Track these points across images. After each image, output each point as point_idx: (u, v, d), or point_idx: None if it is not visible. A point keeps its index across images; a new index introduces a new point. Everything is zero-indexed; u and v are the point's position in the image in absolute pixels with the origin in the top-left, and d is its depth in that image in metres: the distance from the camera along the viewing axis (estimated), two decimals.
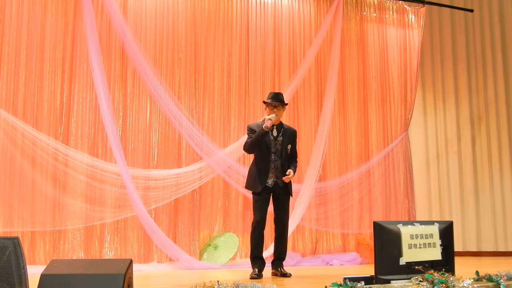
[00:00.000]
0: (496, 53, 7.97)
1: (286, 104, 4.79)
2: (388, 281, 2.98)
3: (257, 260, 4.53)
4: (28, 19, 5.67)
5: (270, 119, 4.53)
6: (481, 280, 3.12)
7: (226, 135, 6.50)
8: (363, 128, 7.35)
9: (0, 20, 5.53)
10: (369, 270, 3.21)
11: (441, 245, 3.28)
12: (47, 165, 5.51)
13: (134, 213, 5.68)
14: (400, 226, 3.16)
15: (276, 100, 4.66)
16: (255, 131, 4.62)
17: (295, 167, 4.72)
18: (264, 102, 4.73)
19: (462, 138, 7.99)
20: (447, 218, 7.63)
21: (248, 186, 4.72)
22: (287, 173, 4.57)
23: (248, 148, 4.66)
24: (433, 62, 8.26)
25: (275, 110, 4.63)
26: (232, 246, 6.05)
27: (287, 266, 4.85)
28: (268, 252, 5.56)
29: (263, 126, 4.52)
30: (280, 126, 4.72)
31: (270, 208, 4.64)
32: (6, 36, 5.54)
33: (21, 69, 5.58)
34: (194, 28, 6.46)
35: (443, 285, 2.82)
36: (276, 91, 6.37)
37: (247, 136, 4.70)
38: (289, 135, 4.74)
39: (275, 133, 4.67)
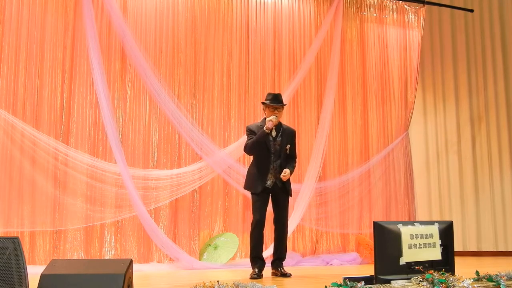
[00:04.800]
0: (496, 53, 7.97)
1: (285, 104, 4.78)
2: (388, 281, 2.98)
3: (257, 260, 4.53)
4: (28, 19, 5.67)
5: (271, 120, 4.52)
6: (481, 280, 3.12)
7: (226, 135, 6.50)
8: (363, 128, 7.35)
9: (0, 20, 5.53)
10: (369, 270, 3.21)
11: (441, 245, 3.28)
12: (47, 165, 5.51)
13: (134, 213, 5.68)
14: (400, 226, 3.16)
15: (276, 102, 4.65)
16: (254, 132, 4.61)
17: (293, 167, 4.71)
18: (263, 103, 4.72)
19: (462, 138, 7.99)
20: (447, 218, 7.63)
21: (247, 187, 4.71)
22: (283, 172, 4.56)
23: (248, 149, 4.66)
24: (433, 62, 8.26)
25: (275, 112, 4.62)
26: (232, 246, 6.05)
27: (287, 266, 4.85)
28: (268, 252, 5.55)
29: (265, 128, 4.51)
30: (279, 126, 4.71)
31: (270, 208, 4.64)
32: (6, 36, 5.54)
33: (21, 69, 5.58)
34: (194, 28, 6.46)
35: (443, 285, 2.82)
36: (276, 91, 6.38)
37: (247, 137, 4.70)
38: (288, 135, 4.73)
39: (274, 133, 4.66)
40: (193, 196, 6.17)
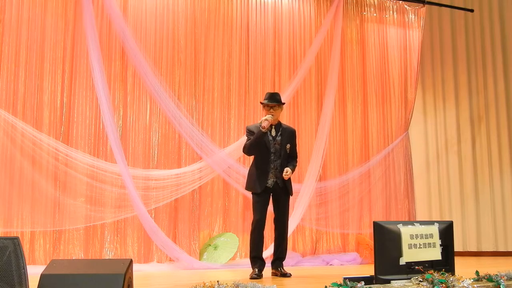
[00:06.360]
0: (496, 53, 7.97)
1: (283, 103, 4.77)
2: (388, 281, 2.99)
3: (257, 260, 4.52)
4: (28, 19, 5.67)
5: (266, 119, 4.51)
6: (481, 280, 3.12)
7: (226, 135, 6.50)
8: (363, 128, 7.35)
9: (0, 20, 5.53)
10: (369, 270, 3.21)
11: (441, 245, 3.28)
12: (47, 165, 5.51)
13: (134, 213, 5.68)
14: (400, 226, 3.16)
15: (272, 101, 4.64)
16: (253, 133, 4.59)
17: (294, 166, 4.70)
18: (261, 103, 4.72)
19: (462, 138, 8.00)
20: (447, 218, 7.64)
21: (248, 187, 4.71)
22: (284, 171, 4.56)
23: (247, 150, 4.66)
24: (433, 62, 8.26)
25: (271, 110, 4.62)
26: (232, 246, 6.05)
27: (287, 266, 4.85)
28: (268, 252, 5.56)
29: (260, 127, 4.52)
30: (278, 126, 4.71)
31: (270, 208, 4.64)
32: (6, 36, 5.54)
33: (21, 69, 5.58)
34: (194, 28, 6.46)
35: (443, 285, 2.82)
36: (276, 91, 6.37)
37: (246, 137, 4.69)
38: (288, 135, 4.73)
39: (273, 133, 4.66)
40: (193, 196, 6.17)
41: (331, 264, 6.18)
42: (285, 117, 6.60)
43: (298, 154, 4.89)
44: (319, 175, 6.65)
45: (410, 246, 3.14)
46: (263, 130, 4.49)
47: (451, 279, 2.87)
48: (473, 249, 7.68)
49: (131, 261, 2.62)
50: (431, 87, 8.24)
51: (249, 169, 4.76)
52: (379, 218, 7.06)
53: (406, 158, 7.53)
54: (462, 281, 2.88)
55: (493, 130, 7.85)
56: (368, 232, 6.90)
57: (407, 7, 7.83)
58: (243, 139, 4.82)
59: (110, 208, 5.68)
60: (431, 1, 7.83)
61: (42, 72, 5.69)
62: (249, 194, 4.84)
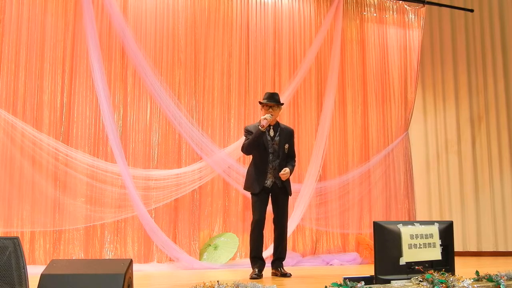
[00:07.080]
0: (496, 53, 7.97)
1: (282, 104, 4.77)
2: (388, 281, 2.99)
3: (257, 260, 4.53)
4: (28, 19, 5.67)
5: (265, 118, 4.51)
6: (481, 280, 3.12)
7: (226, 135, 6.50)
8: (363, 128, 7.35)
9: (0, 20, 5.53)
10: (369, 270, 3.21)
11: (441, 245, 3.28)
12: (47, 165, 5.51)
13: (134, 213, 5.68)
14: (400, 226, 3.16)
15: (272, 100, 4.65)
16: (251, 132, 4.60)
17: (293, 166, 4.71)
18: (260, 103, 4.73)
19: (462, 138, 8.00)
20: (447, 218, 7.64)
21: (246, 187, 4.71)
22: (282, 171, 4.55)
23: (245, 149, 4.66)
24: (433, 62, 8.27)
25: (270, 110, 4.62)
26: (232, 246, 6.05)
27: (287, 266, 4.85)
28: (268, 252, 5.56)
29: (259, 126, 4.52)
30: (276, 126, 4.71)
31: (270, 208, 4.64)
32: (6, 36, 5.54)
33: (21, 69, 5.58)
34: (194, 28, 6.46)
35: (443, 285, 2.82)
36: (276, 91, 6.38)
37: (244, 137, 4.70)
38: (286, 135, 4.73)
39: (272, 133, 4.66)
40: (193, 196, 6.17)
41: (331, 264, 6.19)
42: (285, 117, 6.60)
43: (297, 154, 4.89)
44: (319, 175, 6.65)
45: (410, 246, 3.14)
46: (262, 129, 4.50)
47: (451, 279, 2.87)
48: (473, 249, 7.69)
49: (131, 261, 2.62)
50: (431, 87, 8.24)
51: (248, 169, 4.76)
52: (379, 218, 7.06)
53: (406, 158, 7.52)
54: (462, 281, 2.88)
55: (493, 130, 7.86)
56: (368, 232, 6.90)
57: (407, 7, 7.83)
58: (243, 139, 4.82)
59: (110, 208, 5.69)
60: (431, 1, 7.83)
61: (42, 72, 5.69)
62: (249, 194, 4.84)
